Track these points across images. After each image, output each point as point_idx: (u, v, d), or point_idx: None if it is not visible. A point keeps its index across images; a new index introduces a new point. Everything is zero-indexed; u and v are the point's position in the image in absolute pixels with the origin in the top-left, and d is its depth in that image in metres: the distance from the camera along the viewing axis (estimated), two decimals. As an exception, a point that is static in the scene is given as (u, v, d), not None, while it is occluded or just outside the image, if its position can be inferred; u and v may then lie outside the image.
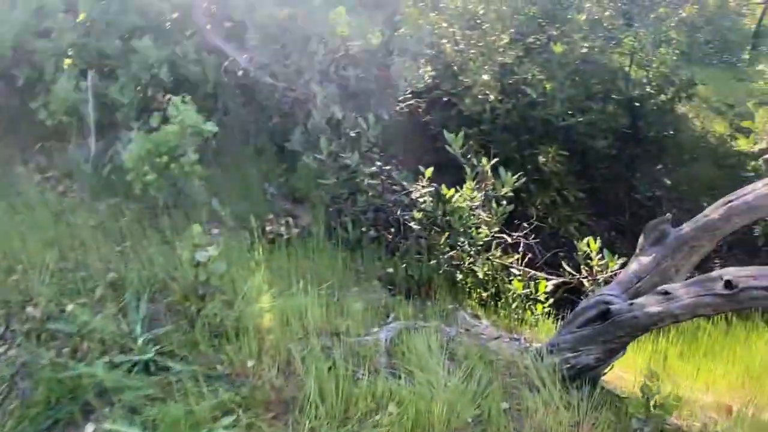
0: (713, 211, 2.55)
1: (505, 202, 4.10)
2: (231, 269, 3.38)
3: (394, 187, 5.40)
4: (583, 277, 4.18)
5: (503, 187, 4.12)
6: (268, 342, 2.91)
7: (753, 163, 5.37)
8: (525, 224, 4.67)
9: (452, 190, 4.30)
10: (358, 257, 4.39)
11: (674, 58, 8.36)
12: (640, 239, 2.83)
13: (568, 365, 2.86)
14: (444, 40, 8.30)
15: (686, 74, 7.74)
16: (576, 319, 2.90)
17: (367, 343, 2.99)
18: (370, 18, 6.37)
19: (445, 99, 7.80)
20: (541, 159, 7.00)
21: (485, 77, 6.97)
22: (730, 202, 2.50)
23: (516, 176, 4.05)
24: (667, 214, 2.74)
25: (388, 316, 3.41)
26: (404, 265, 4.43)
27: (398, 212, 5.00)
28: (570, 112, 7.36)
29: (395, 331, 3.13)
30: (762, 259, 5.84)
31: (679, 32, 8.19)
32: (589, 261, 4.12)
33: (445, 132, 4.28)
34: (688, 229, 2.64)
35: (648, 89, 7.83)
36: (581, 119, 7.16)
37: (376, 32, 6.24)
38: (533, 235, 5.07)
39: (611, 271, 4.05)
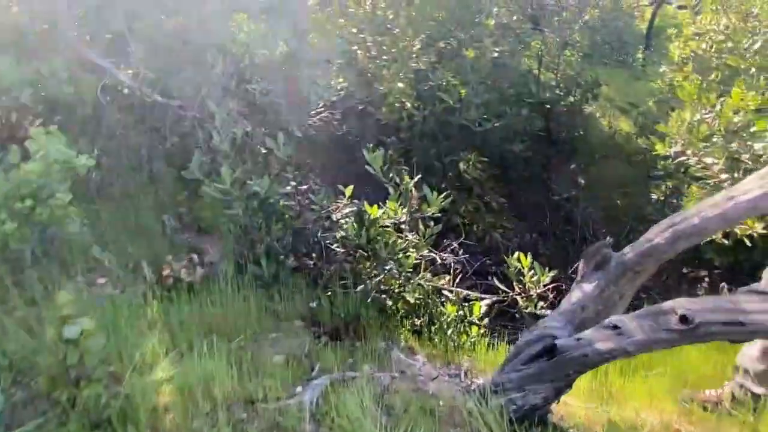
0: (657, 235, 2.40)
1: (432, 223, 3.81)
2: (119, 333, 2.82)
3: (313, 207, 5.00)
4: (517, 294, 3.99)
5: (429, 206, 3.83)
6: (167, 424, 2.40)
7: (663, 162, 5.52)
8: (454, 243, 4.42)
9: (375, 209, 3.95)
10: (276, 294, 3.92)
11: (578, 59, 8.62)
12: (580, 264, 2.63)
13: (515, 406, 2.60)
14: (355, 47, 8.00)
15: (591, 75, 7.96)
16: (519, 355, 2.64)
17: (290, 409, 2.56)
18: (274, 26, 5.91)
19: (360, 108, 7.50)
20: (462, 166, 6.87)
21: (400, 85, 6.72)
22: (674, 225, 2.35)
23: (442, 194, 3.77)
24: (608, 238, 2.56)
25: (312, 369, 2.98)
26: (329, 294, 4.03)
27: (319, 234, 4.59)
28: (486, 117, 7.32)
29: (321, 388, 2.72)
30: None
31: (582, 35, 8.44)
32: (521, 278, 3.94)
33: (364, 151, 3.92)
34: (631, 255, 2.47)
35: (557, 91, 7.98)
36: (497, 124, 7.12)
37: (281, 41, 5.79)
38: (461, 249, 4.88)
39: (543, 285, 3.90)
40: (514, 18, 7.48)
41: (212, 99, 4.61)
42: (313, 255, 4.63)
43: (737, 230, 4.05)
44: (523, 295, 3.99)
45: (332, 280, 4.27)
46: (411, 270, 3.87)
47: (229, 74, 5.00)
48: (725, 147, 3.93)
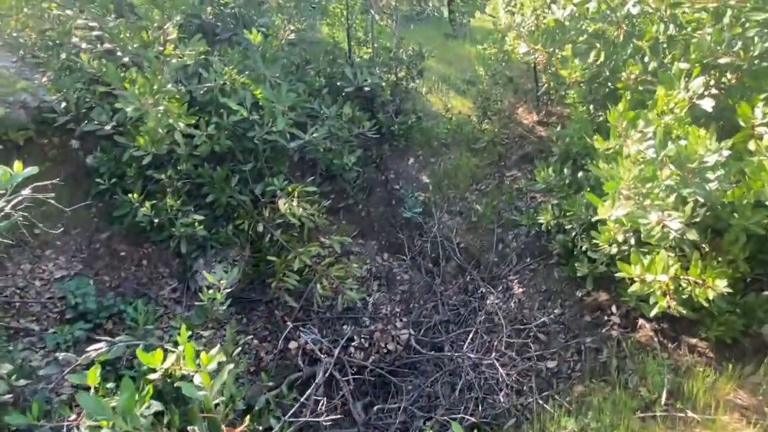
0: None
1: None
2: None
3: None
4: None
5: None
6: None
7: (542, 173, 4.24)
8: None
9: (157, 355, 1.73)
10: None
11: (386, 23, 7.00)
12: None
13: None
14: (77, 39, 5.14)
15: (413, 47, 6.39)
16: None
17: None
18: None
19: (106, 134, 4.82)
20: (283, 206, 4.81)
21: (159, 107, 4.27)
22: None
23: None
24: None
25: None
26: None
27: None
28: (298, 122, 5.29)
29: None
30: (560, 269, 5.03)
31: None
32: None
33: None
34: None
35: (377, 71, 6.25)
36: (316, 134, 5.16)
37: None
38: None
39: None
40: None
41: None
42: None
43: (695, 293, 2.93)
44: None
45: None
46: None
47: None
48: (678, 190, 2.66)
